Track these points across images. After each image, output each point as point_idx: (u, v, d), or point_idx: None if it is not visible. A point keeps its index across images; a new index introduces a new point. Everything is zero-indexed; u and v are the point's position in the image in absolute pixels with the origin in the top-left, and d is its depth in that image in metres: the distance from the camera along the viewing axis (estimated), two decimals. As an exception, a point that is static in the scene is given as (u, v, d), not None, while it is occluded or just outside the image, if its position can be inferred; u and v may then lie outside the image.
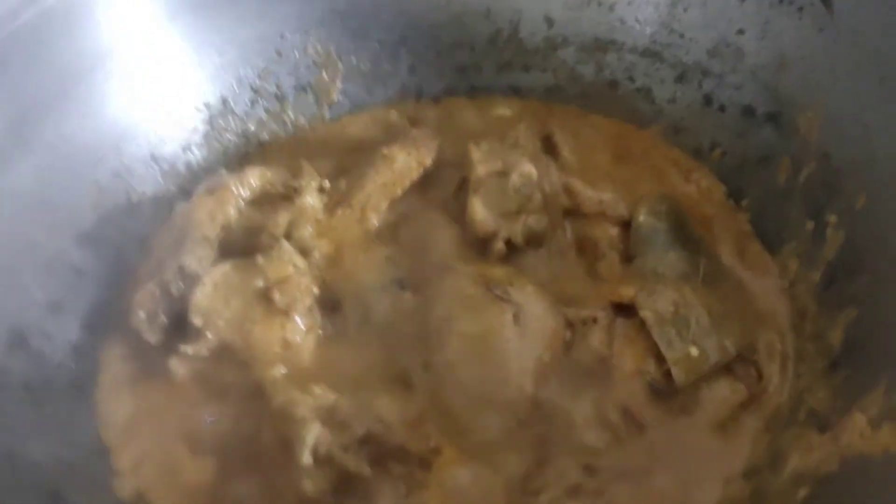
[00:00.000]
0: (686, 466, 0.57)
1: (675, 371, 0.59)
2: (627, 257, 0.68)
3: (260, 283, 0.65)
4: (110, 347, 0.68)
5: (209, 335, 0.64)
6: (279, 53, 0.83)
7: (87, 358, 0.67)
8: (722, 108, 0.75)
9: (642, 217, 0.69)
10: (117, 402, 0.65)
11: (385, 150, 0.76)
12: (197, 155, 0.81)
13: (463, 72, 0.86)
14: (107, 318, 0.70)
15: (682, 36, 0.77)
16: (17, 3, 0.67)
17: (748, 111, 0.73)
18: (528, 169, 0.69)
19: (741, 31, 0.73)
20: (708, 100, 0.76)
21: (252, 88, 0.83)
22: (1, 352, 0.62)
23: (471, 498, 0.56)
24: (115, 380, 0.66)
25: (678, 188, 0.74)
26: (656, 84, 0.80)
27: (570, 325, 0.63)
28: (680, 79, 0.78)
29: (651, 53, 0.79)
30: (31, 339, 0.64)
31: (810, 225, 0.65)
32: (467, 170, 0.73)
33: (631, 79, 0.81)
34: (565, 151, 0.77)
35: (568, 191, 0.71)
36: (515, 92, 0.86)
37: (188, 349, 0.64)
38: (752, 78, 0.73)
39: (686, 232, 0.69)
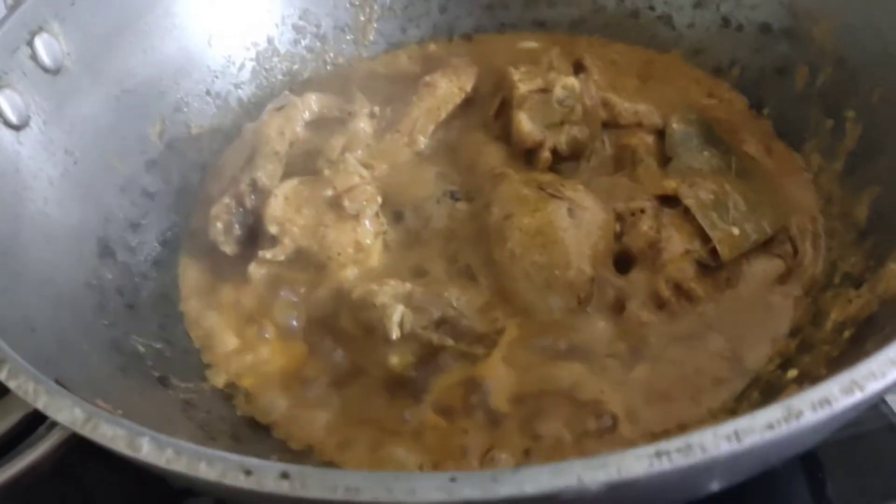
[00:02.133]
0: (736, 331, 0.63)
1: (720, 248, 0.65)
2: (664, 161, 0.74)
3: (329, 193, 0.70)
4: (186, 262, 0.73)
5: (286, 241, 0.68)
6: (319, -6, 0.88)
7: (167, 270, 0.72)
8: (739, 28, 0.81)
9: (675, 124, 0.75)
10: (200, 308, 0.70)
11: (427, 78, 0.81)
12: (246, 91, 0.86)
13: (491, 9, 0.92)
14: (178, 236, 0.75)
15: (699, -41, 0.83)
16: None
17: (765, 28, 0.79)
18: (571, 81, 0.75)
19: (756, -49, 0.79)
20: (726, 21, 0.82)
21: (294, 28, 0.88)
22: (94, 260, 0.66)
23: (534, 367, 0.61)
24: (195, 289, 0.71)
25: (702, 102, 0.80)
26: (676, 11, 0.86)
27: (619, 217, 0.68)
28: (698, 4, 0.84)
29: (670, -19, 0.86)
30: (117, 252, 0.69)
31: (830, 123, 0.71)
32: (508, 90, 0.78)
33: (651, 7, 0.87)
34: (595, 74, 0.83)
35: (606, 104, 0.77)
36: (541, 26, 0.91)
37: (267, 254, 0.68)
38: (767, -4, 0.79)
39: (714, 136, 0.75)
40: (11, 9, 0.67)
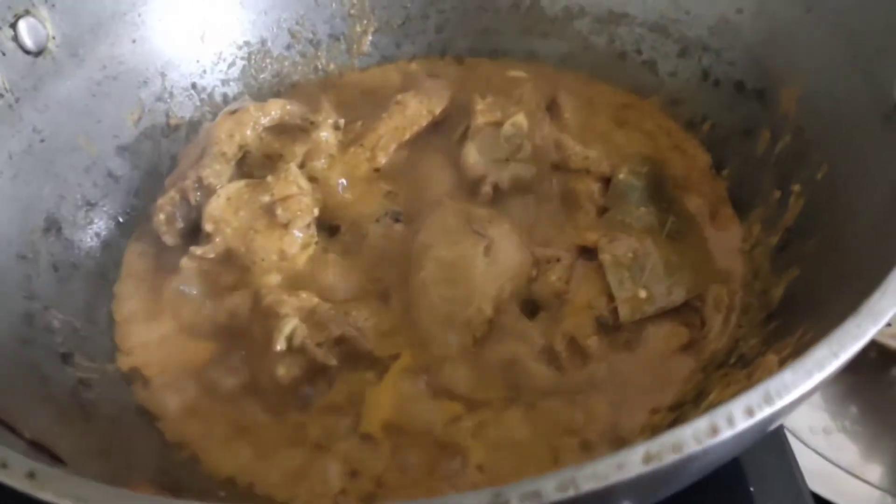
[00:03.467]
0: (620, 395, 0.62)
1: (620, 308, 0.64)
2: (602, 210, 0.73)
3: (267, 199, 0.72)
4: (134, 245, 0.77)
5: (217, 240, 0.71)
6: (318, 2, 0.91)
7: (113, 251, 0.76)
8: (717, 83, 0.80)
9: (622, 175, 0.74)
10: (132, 292, 0.74)
11: (399, 97, 0.83)
12: (233, 88, 0.89)
13: (486, 34, 0.93)
14: (134, 221, 0.79)
15: (687, 12, 0.82)
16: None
17: (739, 86, 0.77)
18: (520, 119, 0.75)
19: (740, 10, 0.77)
20: (705, 74, 0.81)
21: (290, 33, 0.91)
22: (36, 234, 0.70)
23: (412, 401, 0.62)
24: (134, 273, 0.75)
25: (665, 154, 0.78)
26: (661, 57, 0.85)
27: (536, 262, 0.68)
28: (682, 53, 0.83)
29: (659, 28, 0.84)
30: (65, 228, 0.73)
31: (777, 194, 0.69)
32: (470, 119, 0.79)
33: (639, 51, 0.86)
34: (567, 113, 0.83)
35: (558, 146, 0.77)
36: (532, 57, 0.91)
37: (198, 250, 0.71)
38: (745, 55, 0.77)
39: (661, 192, 0.74)
40: (-1, -9, 0.72)
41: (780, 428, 0.72)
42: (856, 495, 0.77)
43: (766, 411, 0.38)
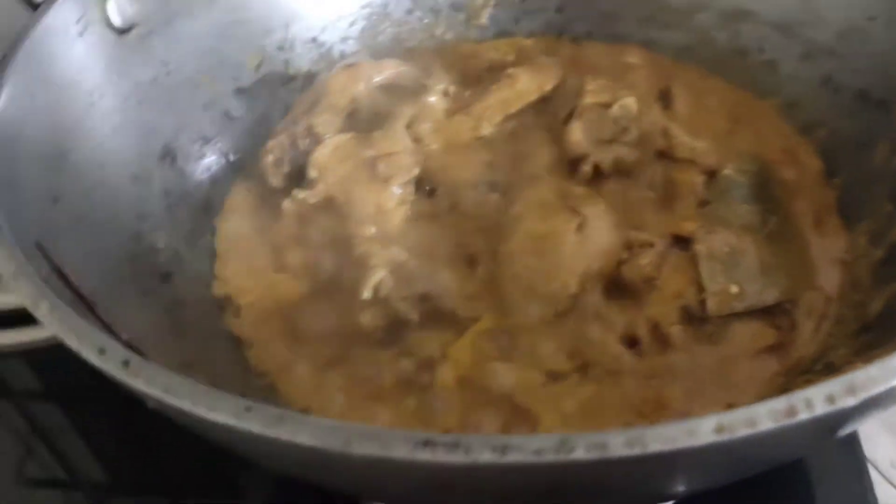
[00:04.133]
0: (698, 386, 0.61)
1: (710, 300, 0.63)
2: (703, 204, 0.72)
3: (371, 153, 0.74)
4: (241, 182, 0.80)
5: (320, 186, 0.74)
6: (443, -30, 0.92)
7: (221, 186, 0.79)
8: (837, 90, 0.77)
9: (728, 171, 0.73)
10: (234, 227, 0.77)
11: (511, 70, 0.83)
12: (351, 46, 0.91)
13: (606, 18, 0.92)
14: (243, 161, 0.82)
15: (816, 14, 0.79)
16: None
17: (862, 94, 0.74)
18: (630, 101, 0.74)
19: (872, 18, 0.74)
20: (827, 80, 0.78)
21: (413, -2, 0.93)
22: (152, 160, 0.74)
23: (490, 361, 0.62)
24: (238, 207, 0.78)
25: (776, 156, 0.76)
26: (783, 58, 0.82)
27: (628, 245, 0.68)
28: (805, 56, 0.80)
29: (784, 28, 0.82)
30: (178, 158, 0.77)
31: (889, 207, 0.67)
32: (579, 99, 0.79)
33: (761, 50, 0.84)
34: (678, 104, 0.81)
35: (665, 133, 0.76)
36: (650, 45, 0.90)
37: (300, 194, 0.74)
38: (872, 63, 0.74)
39: (767, 192, 0.72)
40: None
41: (861, 456, 0.70)
42: None
43: (847, 402, 0.37)
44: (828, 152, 0.76)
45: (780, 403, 0.37)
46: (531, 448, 0.36)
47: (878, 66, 0.73)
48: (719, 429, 0.36)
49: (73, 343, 0.41)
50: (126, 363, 0.40)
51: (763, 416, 0.36)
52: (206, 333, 0.66)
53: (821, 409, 0.37)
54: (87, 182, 0.65)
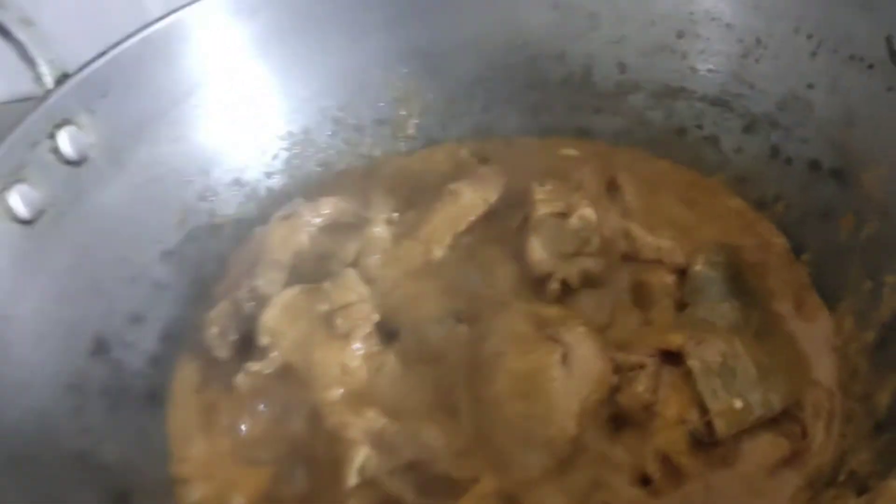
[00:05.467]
0: (722, 518, 0.57)
1: (717, 422, 0.60)
2: (681, 305, 0.69)
3: (325, 308, 0.69)
4: (184, 360, 0.73)
5: (274, 354, 0.68)
6: (362, 87, 0.87)
7: (163, 368, 0.72)
8: (788, 161, 0.76)
9: (698, 266, 0.70)
10: (186, 413, 0.70)
11: (452, 186, 0.79)
12: (278, 181, 0.86)
13: (535, 112, 0.89)
14: (184, 332, 0.75)
15: (752, 87, 0.78)
16: (119, 32, 0.73)
17: (814, 165, 0.73)
18: (588, 213, 0.71)
19: (811, 86, 0.73)
20: (775, 151, 0.77)
21: (333, 120, 0.88)
22: (83, 358, 0.67)
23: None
24: (186, 391, 0.71)
25: (739, 238, 0.74)
26: (724, 133, 0.81)
27: (618, 369, 0.64)
28: (748, 129, 0.79)
29: (721, 102, 0.80)
30: (113, 348, 0.70)
31: (868, 284, 0.65)
32: (529, 209, 0.75)
33: (699, 126, 0.82)
34: (629, 194, 0.79)
35: (627, 236, 0.73)
36: (585, 133, 0.88)
37: (254, 366, 0.68)
38: (819, 132, 0.73)
39: (742, 283, 0.69)
40: (38, 101, 0.69)
41: None
42: None
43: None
44: (790, 228, 0.74)
45: None
46: None
47: (825, 135, 0.72)
48: None
49: None
50: None
51: None
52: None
53: None
54: (15, 414, 0.57)
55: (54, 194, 0.68)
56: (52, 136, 0.68)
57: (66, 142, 0.69)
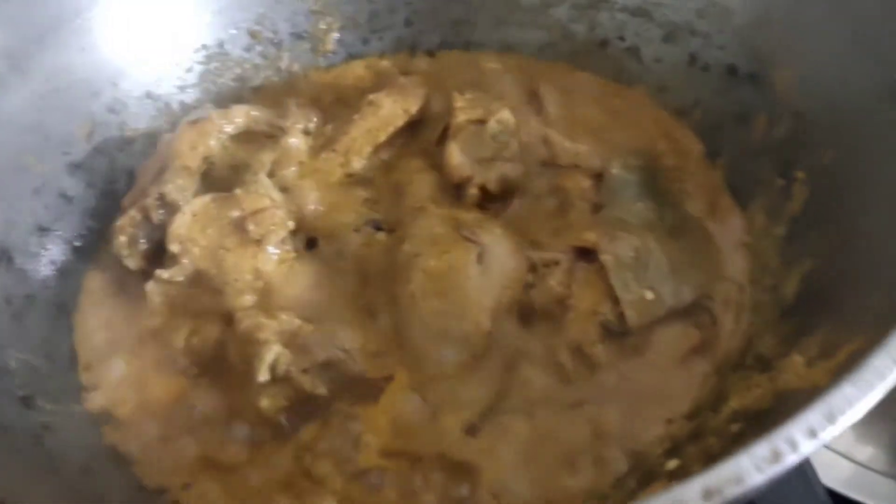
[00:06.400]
0: (634, 405, 0.58)
1: (628, 312, 0.60)
2: (597, 208, 0.69)
3: (236, 214, 0.67)
4: (93, 271, 0.71)
5: (185, 262, 0.66)
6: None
7: (71, 279, 0.70)
8: (706, 68, 0.76)
9: (615, 169, 0.70)
10: (94, 323, 0.68)
11: (371, 97, 0.77)
12: (192, 95, 0.83)
13: (458, 26, 0.88)
14: (92, 245, 0.73)
15: (672, -5, 0.78)
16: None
17: (730, 70, 0.74)
18: (506, 116, 0.70)
19: (728, -9, 0.73)
20: (693, 59, 0.77)
21: (249, 33, 0.85)
22: (-15, 266, 0.64)
23: (413, 422, 0.57)
24: (95, 302, 0.69)
25: (656, 145, 0.74)
26: (645, 44, 0.81)
27: (533, 267, 0.64)
28: (668, 38, 0.79)
29: (642, 13, 0.80)
30: (16, 258, 0.67)
31: (780, 182, 0.66)
32: (449, 118, 0.74)
33: (621, 38, 0.82)
34: (550, 106, 0.78)
35: (545, 141, 0.72)
36: (508, 48, 0.87)
37: (164, 274, 0.66)
38: (736, 37, 0.73)
39: (657, 185, 0.70)
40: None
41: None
42: (847, 476, 0.76)
43: (829, 431, 0.34)
44: (706, 133, 0.75)
45: (761, 450, 0.33)
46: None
47: (742, 40, 0.73)
48: (707, 494, 0.32)
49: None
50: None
51: (749, 469, 0.33)
52: (86, 458, 0.58)
53: (805, 445, 0.33)
54: None
55: (-51, 97, 0.65)
56: (-53, 40, 0.65)
57: (-38, 47, 0.66)
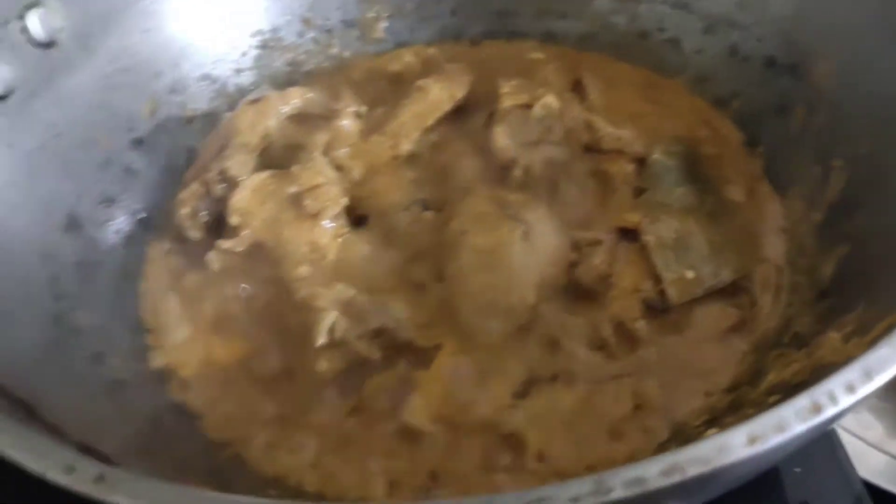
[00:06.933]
0: (674, 378, 0.61)
1: (669, 290, 0.63)
2: (639, 192, 0.71)
3: (293, 189, 0.70)
4: (157, 241, 0.75)
5: (245, 233, 0.69)
6: (330, -12, 0.88)
7: (135, 248, 0.74)
8: (746, 59, 0.78)
9: (656, 155, 0.73)
10: (158, 289, 0.71)
11: (420, 83, 0.80)
12: (247, 78, 0.87)
13: (502, 16, 0.91)
14: (156, 216, 0.76)
15: (712, -12, 0.80)
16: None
17: (770, 62, 0.76)
18: (551, 100, 0.73)
19: (768, -17, 0.76)
20: (733, 51, 0.79)
21: (302, 20, 0.89)
22: (57, 233, 0.68)
23: (464, 387, 0.60)
24: (159, 270, 0.73)
25: (698, 133, 0.77)
26: (685, 35, 0.83)
27: (576, 246, 0.67)
28: (708, 30, 0.81)
29: (681, 5, 0.83)
30: (86, 226, 0.71)
31: (817, 170, 0.68)
32: (495, 104, 0.77)
33: (661, 29, 0.84)
34: (593, 94, 0.81)
35: (589, 126, 0.75)
36: (550, 38, 0.90)
37: (225, 244, 0.69)
38: (775, 30, 0.75)
39: (698, 171, 0.72)
40: (8, -18, 0.69)
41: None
42: (881, 468, 0.77)
43: (867, 387, 0.36)
44: (746, 122, 0.77)
45: (803, 402, 0.36)
46: (567, 496, 0.33)
47: (780, 31, 0.75)
48: (751, 440, 0.35)
49: (33, 465, 0.36)
50: (100, 478, 0.35)
51: (791, 418, 0.35)
52: (155, 412, 0.61)
53: (844, 399, 0.36)
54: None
55: (25, 75, 0.69)
56: (21, 17, 0.68)
57: (35, 23, 0.70)
